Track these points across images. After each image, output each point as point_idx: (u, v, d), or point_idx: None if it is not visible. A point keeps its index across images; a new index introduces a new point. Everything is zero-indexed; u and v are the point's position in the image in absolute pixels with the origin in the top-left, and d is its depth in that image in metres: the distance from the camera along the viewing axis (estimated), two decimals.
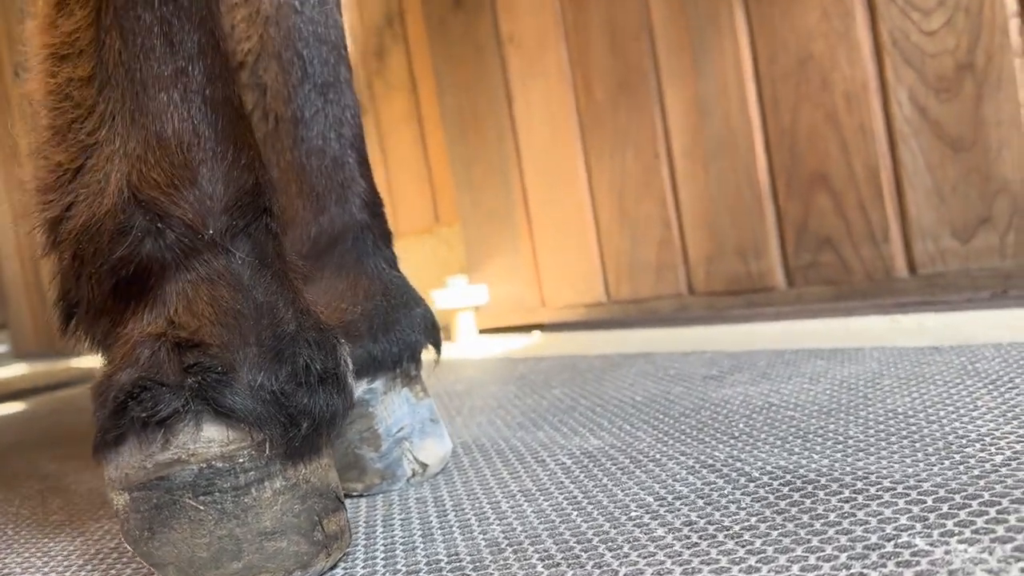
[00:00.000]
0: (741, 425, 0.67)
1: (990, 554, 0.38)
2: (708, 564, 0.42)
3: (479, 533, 0.52)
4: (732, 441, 0.63)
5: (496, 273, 1.81)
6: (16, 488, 0.91)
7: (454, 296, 1.79)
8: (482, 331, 1.85)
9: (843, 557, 0.41)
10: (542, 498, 0.57)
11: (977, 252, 1.13)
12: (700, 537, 0.46)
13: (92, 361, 3.19)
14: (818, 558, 0.41)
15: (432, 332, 0.70)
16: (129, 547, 0.49)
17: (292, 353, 0.49)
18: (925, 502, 0.46)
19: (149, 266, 0.48)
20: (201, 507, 0.47)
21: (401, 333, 0.67)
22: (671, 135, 1.46)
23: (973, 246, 1.13)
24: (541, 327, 1.73)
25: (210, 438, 0.47)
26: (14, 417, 1.71)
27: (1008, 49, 1.07)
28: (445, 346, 1.67)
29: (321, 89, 0.69)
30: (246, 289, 0.49)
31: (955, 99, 1.12)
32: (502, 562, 0.47)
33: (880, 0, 1.18)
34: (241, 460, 0.47)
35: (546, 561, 0.46)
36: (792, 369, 0.85)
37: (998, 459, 0.50)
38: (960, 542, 0.40)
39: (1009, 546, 0.39)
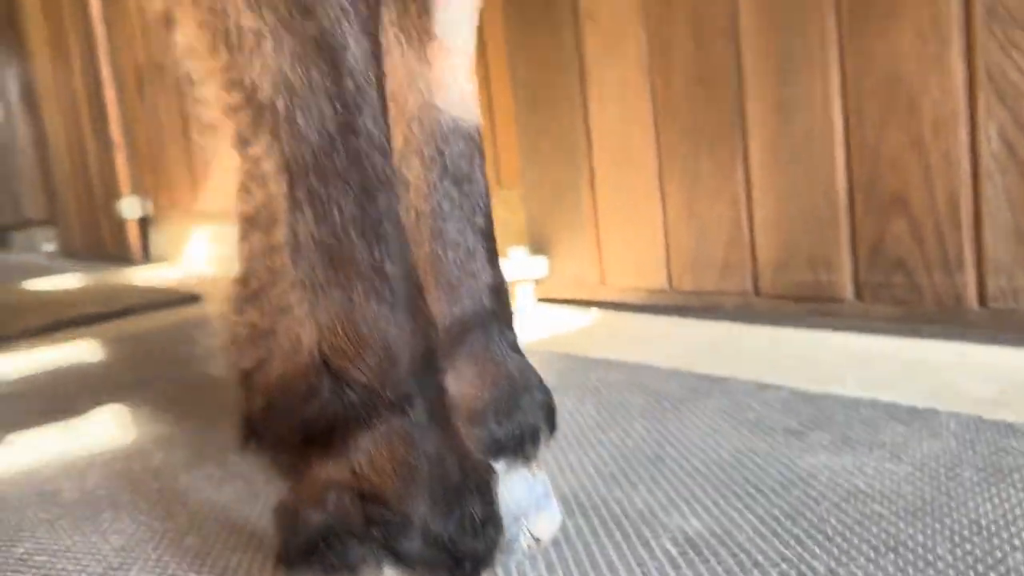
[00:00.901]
0: (833, 521, 0.72)
1: None
2: None
3: None
4: (828, 544, 0.68)
5: (557, 247, 1.85)
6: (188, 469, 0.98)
7: (515, 268, 1.84)
8: (540, 300, 1.90)
9: None
10: None
11: None
12: None
13: (149, 277, 3.26)
14: None
15: (550, 415, 0.75)
16: None
17: (459, 503, 0.54)
18: None
19: (335, 422, 0.53)
20: None
21: (523, 417, 0.72)
22: (748, 136, 1.46)
23: None
24: (600, 304, 1.78)
25: None
26: (94, 354, 1.79)
27: None
28: None
29: (458, 182, 0.72)
30: (419, 445, 0.54)
31: None
32: None
33: (979, 32, 1.17)
34: None
35: None
36: (871, 434, 0.90)
37: None
38: None
39: None
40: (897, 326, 1.31)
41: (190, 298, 2.69)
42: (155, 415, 1.34)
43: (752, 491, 0.80)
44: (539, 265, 1.85)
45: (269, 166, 0.53)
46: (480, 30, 2.09)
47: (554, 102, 1.80)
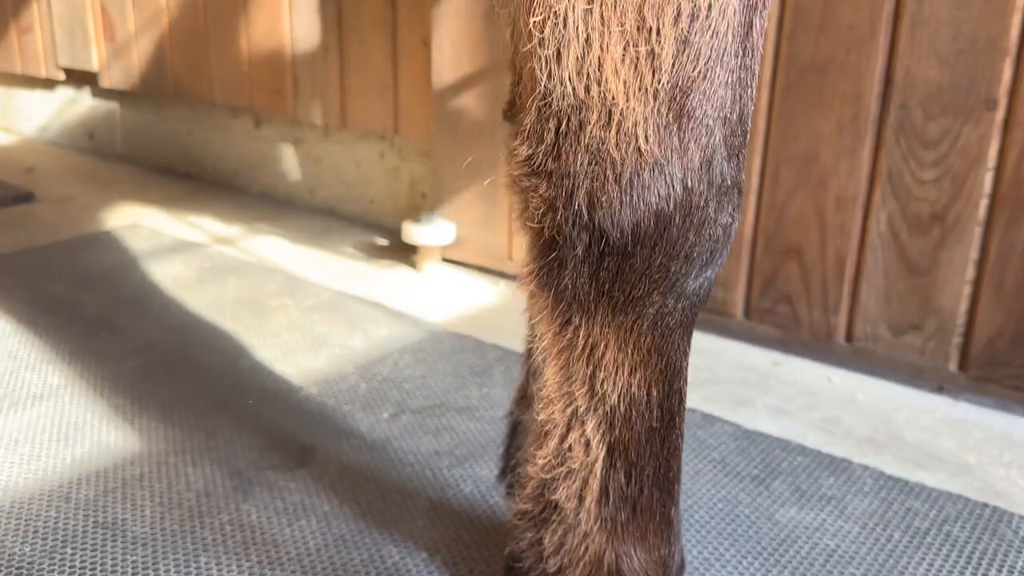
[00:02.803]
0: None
1: None
2: None
3: None
4: None
5: (468, 216, 2.00)
6: None
7: (425, 233, 1.97)
8: (444, 259, 2.05)
9: None
10: None
11: (903, 346, 1.53)
12: None
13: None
14: None
15: None
16: None
17: None
18: None
19: None
20: None
21: None
22: None
23: (901, 340, 1.53)
24: (504, 275, 1.97)
25: None
26: None
27: (973, 219, 1.42)
28: (411, 280, 1.94)
29: None
30: None
31: (922, 237, 1.47)
32: None
33: (889, 138, 1.47)
34: None
35: None
36: (815, 487, 1.22)
37: None
38: None
39: None
40: (777, 345, 1.65)
41: (25, 196, 2.50)
42: (128, 397, 1.37)
43: (760, 548, 1.09)
44: (448, 231, 1.99)
45: (595, 439, 0.69)
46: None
47: (479, 85, 1.89)
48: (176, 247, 2.12)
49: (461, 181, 1.99)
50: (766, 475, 1.25)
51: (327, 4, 2.21)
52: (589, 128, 0.59)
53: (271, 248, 2.15)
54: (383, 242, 2.22)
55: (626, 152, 0.59)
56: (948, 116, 1.41)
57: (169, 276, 1.94)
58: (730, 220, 0.64)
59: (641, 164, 0.59)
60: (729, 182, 0.62)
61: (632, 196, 0.60)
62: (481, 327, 1.74)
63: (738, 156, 0.63)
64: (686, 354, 0.68)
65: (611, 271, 0.63)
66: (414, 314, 1.79)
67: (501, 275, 1.99)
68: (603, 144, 0.59)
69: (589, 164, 0.60)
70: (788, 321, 1.64)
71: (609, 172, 0.60)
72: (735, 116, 0.61)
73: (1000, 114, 1.37)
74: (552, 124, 0.61)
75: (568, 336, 0.67)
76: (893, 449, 1.34)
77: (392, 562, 1.05)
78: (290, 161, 2.49)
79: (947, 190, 1.44)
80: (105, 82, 2.83)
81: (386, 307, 1.81)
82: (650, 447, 0.69)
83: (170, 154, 2.80)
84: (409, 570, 1.04)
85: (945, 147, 1.43)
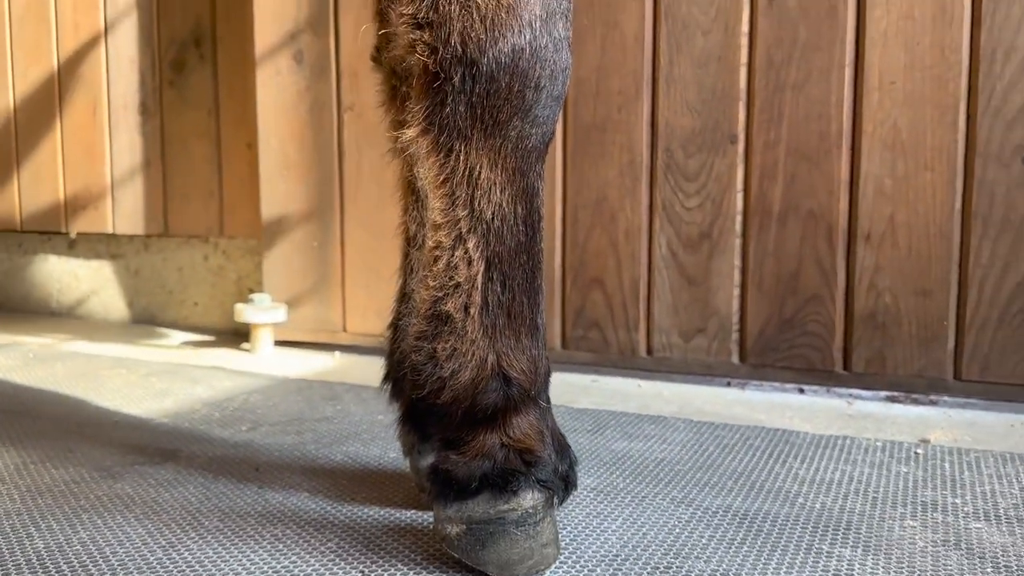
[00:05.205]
0: (661, 474, 1.20)
1: None
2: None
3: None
4: (689, 481, 1.16)
5: (300, 296, 2.12)
6: None
7: (257, 312, 2.06)
8: (277, 342, 2.14)
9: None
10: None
11: (693, 349, 1.80)
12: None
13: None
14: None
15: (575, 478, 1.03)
16: (456, 555, 0.88)
17: (565, 452, 0.91)
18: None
19: (501, 408, 0.87)
20: (518, 533, 0.87)
21: (567, 462, 1.03)
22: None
23: (691, 345, 1.80)
24: (339, 347, 2.09)
25: (532, 497, 0.88)
26: None
27: (732, 232, 1.75)
28: (246, 358, 2.01)
29: None
30: (545, 420, 0.90)
31: (695, 253, 1.78)
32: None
33: (660, 176, 1.80)
34: (540, 508, 0.88)
35: None
36: (640, 431, 1.41)
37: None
38: None
39: None
40: (592, 368, 1.87)
41: None
42: None
43: (602, 463, 1.25)
44: (278, 312, 2.09)
45: (476, 255, 0.86)
46: (215, 93, 2.28)
47: (307, 176, 2.09)
48: None
49: (291, 264, 2.13)
50: (598, 428, 1.43)
51: (149, 121, 2.36)
52: None
53: (94, 346, 2.15)
54: (211, 338, 2.28)
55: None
56: (703, 153, 1.76)
57: None
58: (565, 65, 0.86)
59: (499, 8, 0.81)
60: (561, 36, 0.86)
61: (494, 32, 0.81)
62: (326, 375, 1.84)
63: (566, 18, 0.86)
64: (541, 177, 0.88)
65: (481, 97, 0.83)
66: (256, 370, 1.86)
67: (336, 347, 2.10)
68: None
69: (460, 11, 0.81)
70: (599, 345, 1.87)
71: (476, 15, 0.81)
72: None
73: (741, 146, 1.74)
74: None
75: (451, 163, 0.85)
76: (696, 418, 1.57)
77: (277, 502, 1.12)
78: (107, 277, 2.52)
79: (709, 212, 1.77)
80: None
81: (226, 368, 1.88)
82: (519, 259, 0.87)
83: None
84: (295, 505, 1.11)
85: (704, 178, 1.77)
